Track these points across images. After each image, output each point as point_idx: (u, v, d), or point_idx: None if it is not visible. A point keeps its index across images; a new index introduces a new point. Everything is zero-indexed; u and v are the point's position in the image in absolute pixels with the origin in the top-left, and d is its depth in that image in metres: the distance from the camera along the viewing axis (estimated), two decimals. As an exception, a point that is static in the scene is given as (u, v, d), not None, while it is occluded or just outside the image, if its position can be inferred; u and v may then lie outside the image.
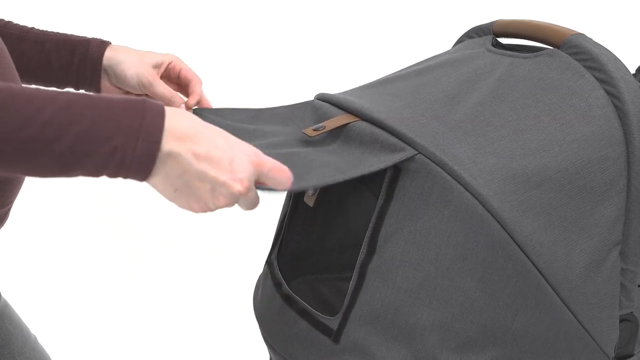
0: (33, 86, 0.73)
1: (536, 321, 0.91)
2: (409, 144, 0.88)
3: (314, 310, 0.97)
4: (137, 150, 0.71)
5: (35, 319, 1.57)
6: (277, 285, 1.06)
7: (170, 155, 0.73)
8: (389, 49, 2.85)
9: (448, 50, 1.17)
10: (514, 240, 0.87)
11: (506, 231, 0.87)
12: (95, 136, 0.70)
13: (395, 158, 0.87)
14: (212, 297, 2.49)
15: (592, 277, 0.93)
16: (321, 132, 0.96)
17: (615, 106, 0.95)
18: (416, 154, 0.88)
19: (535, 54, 1.02)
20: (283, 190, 0.81)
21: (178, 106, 1.02)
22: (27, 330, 1.15)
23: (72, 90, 1.08)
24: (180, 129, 0.73)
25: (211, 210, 0.77)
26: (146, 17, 3.10)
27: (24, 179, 1.00)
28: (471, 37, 1.17)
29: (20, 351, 1.10)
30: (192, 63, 1.62)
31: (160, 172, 0.74)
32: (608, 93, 0.96)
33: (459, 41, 1.20)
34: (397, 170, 0.89)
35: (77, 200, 2.80)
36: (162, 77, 1.09)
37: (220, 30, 3.01)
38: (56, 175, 0.72)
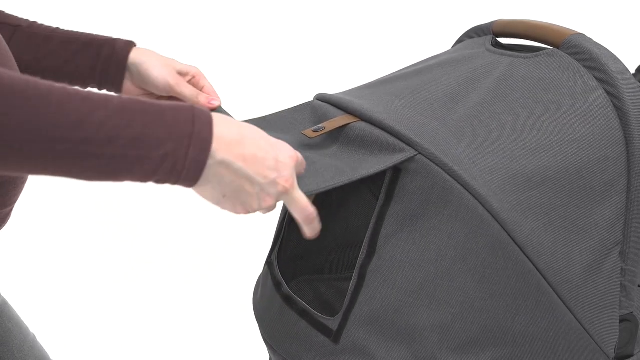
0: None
1: (536, 321, 0.91)
2: (408, 145, 0.88)
3: (314, 311, 0.97)
4: (188, 157, 0.72)
5: (34, 318, 1.57)
6: (277, 285, 1.06)
7: (222, 162, 0.74)
8: (388, 48, 2.85)
9: (448, 50, 1.17)
10: (514, 240, 0.87)
11: (506, 231, 0.87)
12: (147, 141, 0.70)
13: (395, 159, 0.87)
14: (212, 298, 2.49)
15: (592, 277, 0.93)
16: (321, 133, 0.96)
17: (615, 106, 0.95)
18: (416, 155, 0.87)
19: (535, 54, 1.02)
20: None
21: (203, 105, 1.02)
22: (26, 329, 1.15)
23: (95, 90, 1.08)
24: (228, 135, 0.75)
25: (255, 211, 0.79)
26: (146, 17, 3.10)
27: (26, 180, 1.00)
28: (471, 37, 1.17)
29: (20, 349, 1.11)
30: (192, 64, 1.62)
31: (211, 179, 0.75)
32: (608, 93, 0.96)
33: (459, 41, 1.20)
34: (397, 170, 0.89)
35: (76, 199, 2.81)
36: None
37: (220, 30, 3.01)
38: (103, 179, 0.71)
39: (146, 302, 2.49)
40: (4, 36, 1.02)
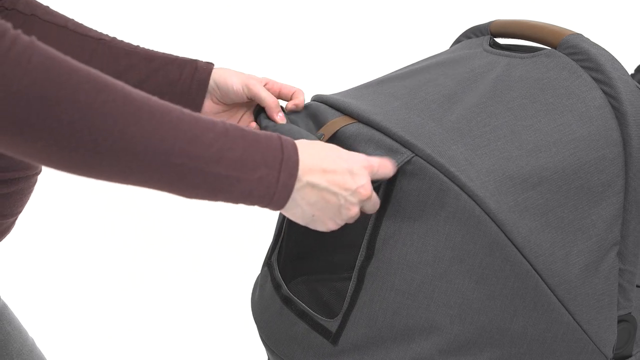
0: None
1: (534, 322, 0.91)
2: (405, 146, 0.88)
3: (313, 312, 0.97)
4: (280, 181, 0.78)
5: (33, 323, 1.57)
6: (277, 287, 1.06)
7: (307, 184, 0.81)
8: (386, 48, 2.84)
9: (445, 50, 1.17)
10: (511, 241, 0.87)
11: (504, 232, 0.87)
12: (247, 164, 0.76)
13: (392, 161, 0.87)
14: (211, 298, 2.49)
15: (590, 277, 0.93)
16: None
17: (613, 106, 0.95)
18: (413, 157, 0.87)
19: (532, 54, 1.02)
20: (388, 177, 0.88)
21: (275, 110, 1.05)
22: (25, 333, 1.15)
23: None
24: (310, 158, 0.81)
25: (344, 222, 0.85)
26: (145, 18, 3.10)
27: (32, 190, 1.01)
28: (469, 37, 1.17)
29: (19, 353, 1.11)
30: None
31: (299, 202, 0.81)
32: (605, 93, 0.95)
33: (457, 41, 1.20)
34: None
35: (75, 203, 2.80)
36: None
37: (220, 29, 3.01)
38: (202, 195, 0.77)
39: (145, 304, 2.49)
40: (87, 48, 1.06)
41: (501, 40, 1.12)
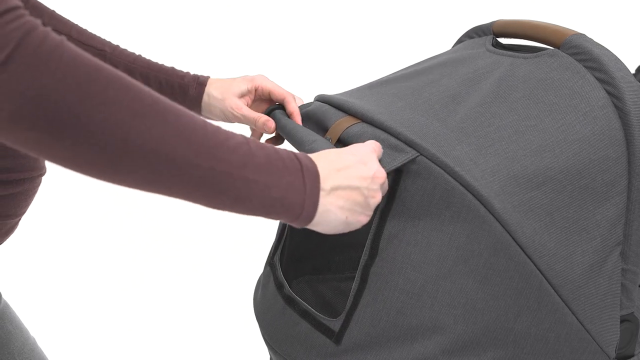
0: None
1: (538, 322, 0.91)
2: (410, 146, 0.88)
3: (316, 312, 0.97)
4: (307, 186, 0.78)
5: (34, 322, 1.57)
6: (279, 286, 1.06)
7: (332, 188, 0.80)
8: (389, 48, 2.84)
9: (448, 50, 1.17)
10: (515, 241, 0.87)
11: (508, 232, 0.87)
12: (272, 170, 0.75)
13: (397, 161, 0.87)
14: (213, 298, 2.49)
15: (593, 278, 0.93)
16: None
17: (616, 106, 0.95)
18: (417, 156, 0.87)
19: (535, 54, 1.02)
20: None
21: (261, 126, 1.11)
22: (27, 332, 1.15)
23: None
24: (324, 162, 0.81)
25: (372, 212, 0.84)
26: (145, 17, 3.09)
27: (36, 191, 1.02)
28: (471, 37, 1.17)
29: (20, 351, 1.11)
30: (192, 64, 1.62)
31: (331, 207, 0.80)
32: (609, 93, 0.96)
33: (459, 41, 1.20)
34: (398, 172, 0.89)
35: (78, 204, 2.80)
36: (255, 100, 1.16)
37: (220, 29, 3.01)
38: (229, 204, 0.75)
39: (147, 304, 2.49)
40: None
41: (504, 40, 1.12)
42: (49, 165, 1.03)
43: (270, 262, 1.12)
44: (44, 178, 1.04)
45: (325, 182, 0.80)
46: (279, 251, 1.11)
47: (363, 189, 0.82)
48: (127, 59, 1.13)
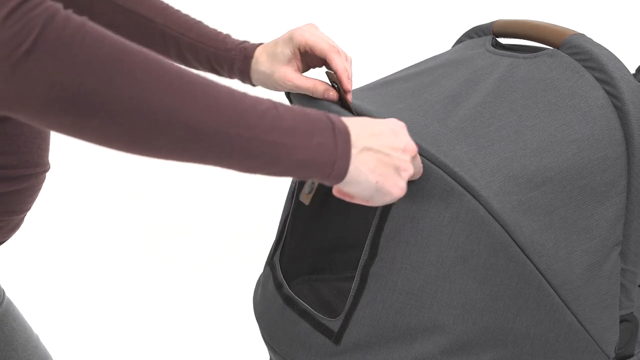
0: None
1: (537, 322, 0.91)
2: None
3: (315, 312, 0.97)
4: (338, 146, 0.77)
5: (37, 319, 1.57)
6: (279, 286, 1.06)
7: (364, 149, 0.79)
8: (389, 49, 2.85)
9: (448, 51, 1.17)
10: (515, 241, 0.87)
11: (507, 232, 0.87)
12: (300, 132, 0.75)
13: None
14: (212, 297, 2.49)
15: (593, 278, 0.93)
16: None
17: (615, 106, 0.95)
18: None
19: (535, 54, 1.02)
20: None
21: (321, 95, 1.02)
22: (30, 329, 1.16)
23: None
24: (355, 123, 0.80)
25: (405, 186, 0.82)
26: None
27: (41, 188, 1.02)
28: (471, 37, 1.17)
29: (24, 348, 1.11)
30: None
31: (361, 167, 0.79)
32: (608, 93, 0.96)
33: (459, 41, 1.20)
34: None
35: (80, 201, 2.80)
36: (303, 59, 1.06)
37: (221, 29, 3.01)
38: (260, 168, 0.76)
39: (147, 303, 2.49)
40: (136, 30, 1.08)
41: (503, 40, 1.12)
42: (52, 162, 1.04)
43: (269, 262, 1.12)
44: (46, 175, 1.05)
45: (357, 142, 0.79)
46: (278, 251, 1.11)
47: (394, 157, 0.81)
48: (179, 29, 1.09)
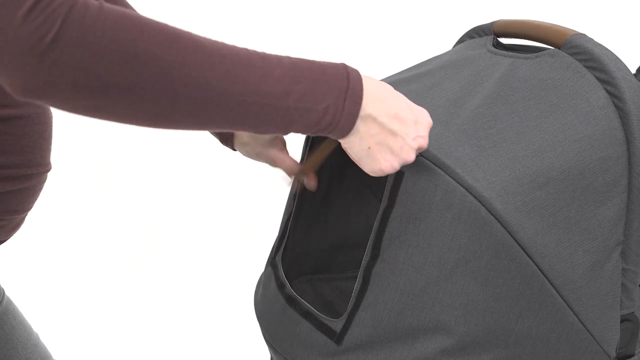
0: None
1: (539, 323, 0.91)
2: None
3: (317, 312, 0.97)
4: (345, 110, 0.81)
5: (37, 318, 1.57)
6: (281, 286, 1.06)
7: (369, 116, 0.82)
8: (389, 49, 2.84)
9: (449, 51, 1.17)
10: (517, 242, 0.87)
11: (509, 233, 0.87)
12: (314, 96, 0.79)
13: None
14: (215, 297, 2.49)
15: (594, 278, 0.93)
16: None
17: (617, 106, 0.95)
18: (418, 157, 0.87)
19: (536, 54, 1.02)
20: None
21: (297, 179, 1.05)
22: (30, 327, 1.16)
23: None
24: (375, 92, 0.83)
25: (398, 165, 0.85)
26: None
27: (42, 187, 1.02)
28: (472, 37, 1.16)
29: (24, 346, 1.12)
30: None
31: (360, 130, 0.83)
32: (609, 93, 0.96)
33: (460, 41, 1.19)
34: (400, 173, 0.89)
35: (79, 201, 2.80)
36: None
37: (221, 30, 3.01)
38: (272, 130, 0.80)
39: (147, 302, 2.49)
40: None
41: (505, 40, 1.12)
42: (53, 161, 1.04)
43: (271, 262, 1.12)
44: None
45: (368, 107, 0.82)
46: (280, 250, 1.11)
47: (399, 138, 0.84)
48: None
